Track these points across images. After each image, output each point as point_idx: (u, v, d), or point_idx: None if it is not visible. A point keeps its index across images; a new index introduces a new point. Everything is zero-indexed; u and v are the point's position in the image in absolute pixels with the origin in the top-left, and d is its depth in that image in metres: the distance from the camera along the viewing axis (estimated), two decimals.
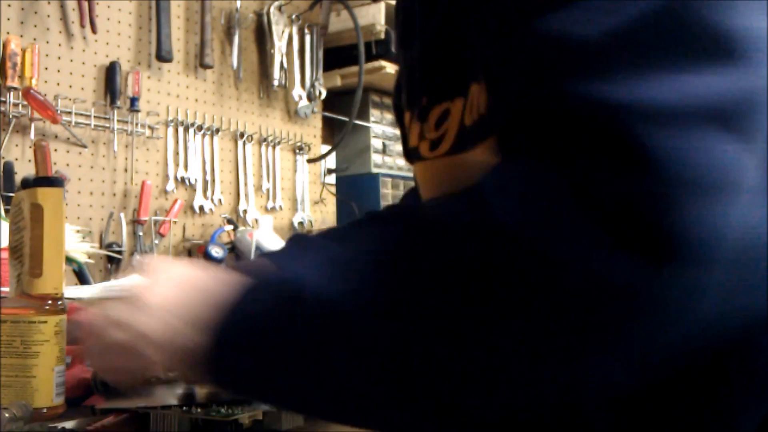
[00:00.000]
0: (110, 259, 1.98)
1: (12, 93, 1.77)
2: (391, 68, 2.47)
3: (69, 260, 1.51)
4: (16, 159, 1.80)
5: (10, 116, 1.77)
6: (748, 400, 0.50)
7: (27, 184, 1.17)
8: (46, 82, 1.87)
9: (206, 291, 0.55)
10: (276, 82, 2.42)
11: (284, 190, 2.49)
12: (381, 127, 2.74)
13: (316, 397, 0.52)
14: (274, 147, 2.46)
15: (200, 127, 2.24)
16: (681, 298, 0.39)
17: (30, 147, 1.80)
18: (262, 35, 2.44)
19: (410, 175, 2.18)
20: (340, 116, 2.63)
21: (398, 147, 2.62)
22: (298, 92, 2.49)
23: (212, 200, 2.25)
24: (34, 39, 1.85)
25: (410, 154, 0.69)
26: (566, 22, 0.43)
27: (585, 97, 0.41)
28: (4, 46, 1.77)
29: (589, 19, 0.42)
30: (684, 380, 0.50)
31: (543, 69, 0.44)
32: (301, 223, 2.52)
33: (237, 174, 2.34)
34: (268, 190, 2.43)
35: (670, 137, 0.39)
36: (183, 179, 2.18)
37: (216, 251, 2.10)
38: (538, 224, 0.41)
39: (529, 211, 0.42)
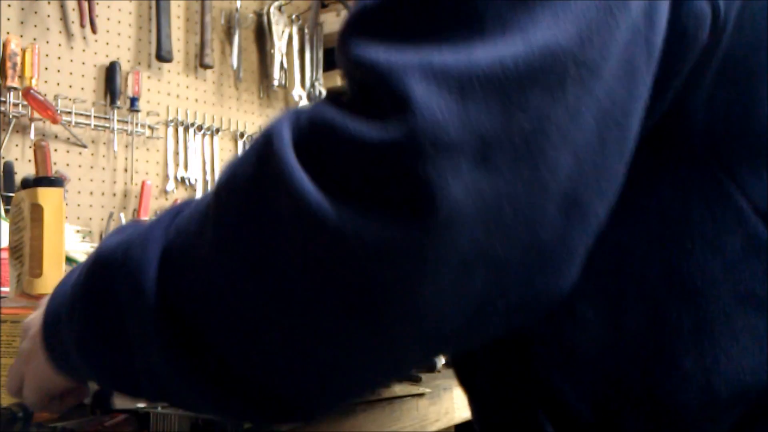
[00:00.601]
0: None
1: (12, 93, 1.77)
2: None
3: (69, 260, 1.51)
4: (16, 159, 1.80)
5: (10, 116, 1.77)
6: (572, 377, 0.50)
7: (27, 184, 1.17)
8: (46, 82, 1.87)
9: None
10: (276, 82, 2.42)
11: None
12: None
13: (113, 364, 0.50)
14: None
15: (200, 127, 2.24)
16: (437, 258, 0.38)
17: (30, 147, 1.81)
18: (262, 35, 2.44)
19: None
20: None
21: None
22: (298, 92, 2.49)
23: None
24: (34, 39, 1.85)
25: None
26: None
27: (362, 55, 0.41)
28: (4, 46, 1.77)
29: None
30: (493, 351, 0.51)
31: (342, 28, 0.44)
32: None
33: None
34: None
35: (438, 97, 0.38)
36: (183, 179, 2.18)
37: None
38: (298, 168, 0.40)
39: (291, 154, 0.40)
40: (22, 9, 1.84)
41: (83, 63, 1.97)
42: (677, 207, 0.48)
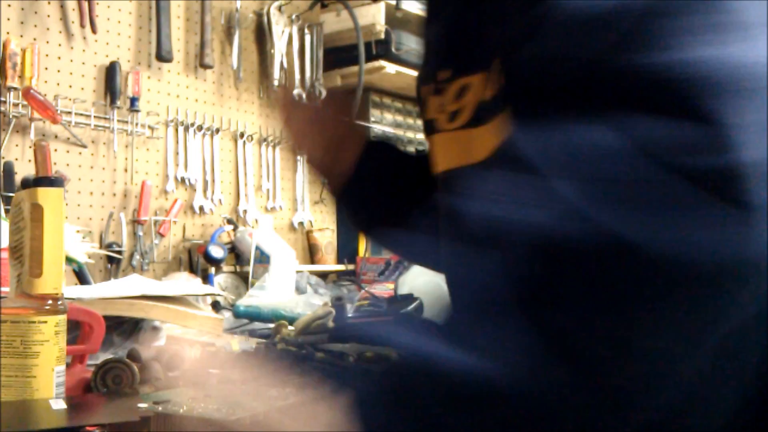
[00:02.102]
0: (110, 259, 1.98)
1: (12, 93, 1.77)
2: (391, 68, 2.47)
3: (69, 260, 1.51)
4: (16, 159, 1.80)
5: (10, 116, 1.77)
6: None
7: (27, 184, 1.17)
8: (46, 82, 1.87)
9: None
10: (276, 82, 2.42)
11: (284, 190, 2.49)
12: (381, 127, 2.74)
13: None
14: (274, 147, 2.45)
15: (200, 127, 2.24)
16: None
17: (30, 147, 1.81)
18: (262, 35, 2.44)
19: None
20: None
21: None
22: (298, 92, 2.49)
23: (212, 200, 2.25)
24: (34, 39, 1.85)
25: (427, 127, 0.71)
26: None
27: (652, 65, 0.45)
28: (4, 46, 1.77)
29: None
30: None
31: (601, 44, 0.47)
32: (301, 223, 2.52)
33: (237, 174, 2.34)
34: (268, 190, 2.43)
35: (743, 109, 0.43)
36: (183, 179, 2.18)
37: (216, 251, 2.09)
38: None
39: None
40: (22, 9, 1.83)
41: (83, 63, 1.97)
42: None
